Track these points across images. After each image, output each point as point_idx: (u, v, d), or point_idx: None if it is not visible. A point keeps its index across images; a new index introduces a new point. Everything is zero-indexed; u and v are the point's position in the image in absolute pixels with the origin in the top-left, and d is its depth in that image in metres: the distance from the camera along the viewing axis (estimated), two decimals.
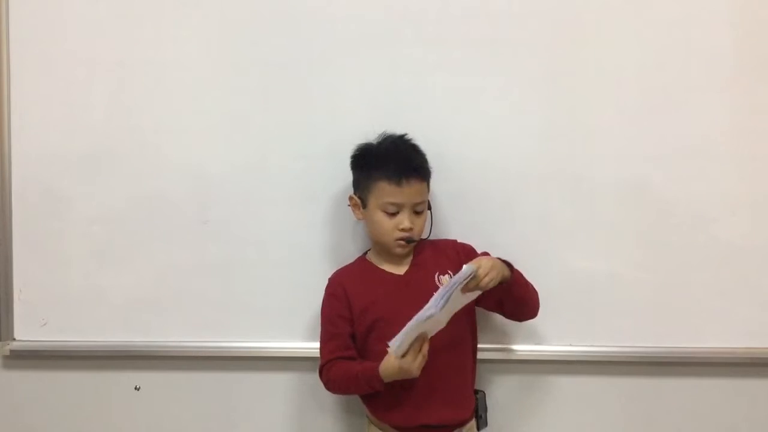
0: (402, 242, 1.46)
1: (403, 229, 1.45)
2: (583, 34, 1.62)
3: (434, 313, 1.25)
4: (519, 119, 1.63)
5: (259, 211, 1.66)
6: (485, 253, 1.46)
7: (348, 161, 1.53)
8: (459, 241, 1.56)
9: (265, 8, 1.63)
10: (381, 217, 1.46)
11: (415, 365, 1.34)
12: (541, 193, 1.64)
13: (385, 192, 1.43)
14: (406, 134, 1.52)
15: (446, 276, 1.47)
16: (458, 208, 1.62)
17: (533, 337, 1.66)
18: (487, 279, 1.31)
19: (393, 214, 1.45)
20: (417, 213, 1.47)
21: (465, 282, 1.28)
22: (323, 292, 1.53)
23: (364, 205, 1.49)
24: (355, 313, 1.48)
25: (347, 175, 1.54)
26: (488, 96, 1.63)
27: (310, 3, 1.63)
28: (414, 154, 1.49)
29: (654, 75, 1.62)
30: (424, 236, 1.51)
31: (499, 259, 1.39)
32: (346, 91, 1.64)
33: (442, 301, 1.25)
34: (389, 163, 1.44)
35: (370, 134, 1.51)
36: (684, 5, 1.61)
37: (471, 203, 1.63)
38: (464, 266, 1.29)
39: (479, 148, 1.64)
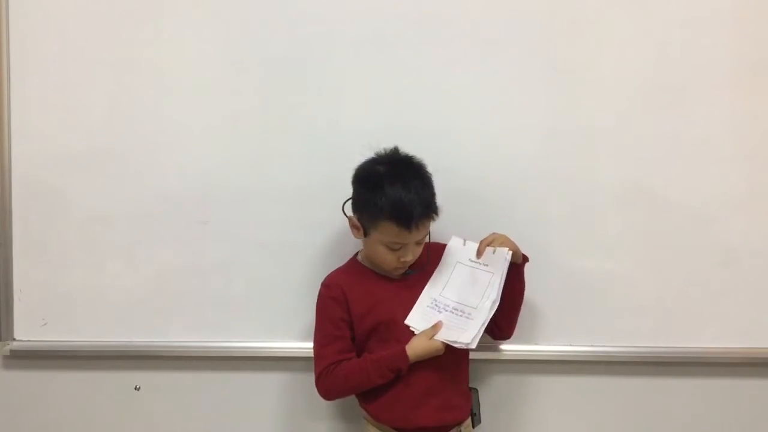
0: (400, 268, 1.46)
1: (404, 261, 1.43)
2: (584, 35, 1.62)
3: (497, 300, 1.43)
4: (519, 119, 1.64)
5: (259, 211, 1.66)
6: None
7: (348, 162, 1.49)
8: None
9: (265, 8, 1.63)
10: (383, 250, 1.42)
11: (439, 342, 1.41)
12: (542, 193, 1.64)
13: (393, 233, 1.38)
14: (413, 158, 1.44)
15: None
16: (458, 207, 1.61)
17: (534, 338, 1.66)
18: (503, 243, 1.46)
19: (396, 249, 1.41)
20: (419, 243, 1.44)
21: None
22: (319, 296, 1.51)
23: (366, 233, 1.44)
24: (354, 317, 1.47)
25: (347, 175, 1.51)
26: (489, 96, 1.63)
27: (310, 3, 1.63)
28: (424, 191, 1.39)
29: (654, 75, 1.62)
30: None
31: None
32: (346, 91, 1.64)
33: (501, 288, 1.43)
34: (401, 210, 1.35)
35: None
36: (684, 5, 1.61)
37: (471, 203, 1.63)
38: (503, 252, 1.44)
39: (479, 148, 1.64)
